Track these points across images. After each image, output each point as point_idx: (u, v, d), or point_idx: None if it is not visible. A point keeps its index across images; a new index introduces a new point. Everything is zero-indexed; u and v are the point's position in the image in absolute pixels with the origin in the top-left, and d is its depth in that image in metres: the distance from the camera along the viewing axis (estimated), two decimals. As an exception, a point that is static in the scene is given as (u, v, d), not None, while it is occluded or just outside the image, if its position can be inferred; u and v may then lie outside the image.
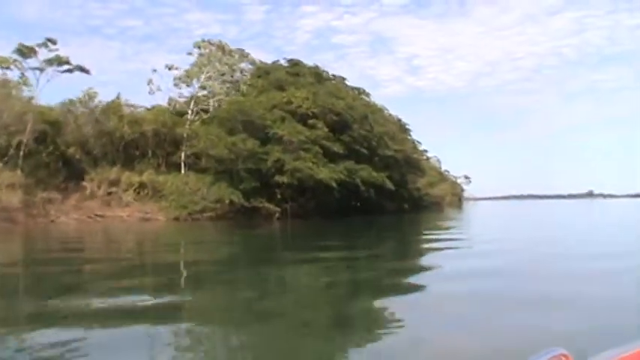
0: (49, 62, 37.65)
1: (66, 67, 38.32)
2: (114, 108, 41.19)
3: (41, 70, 38.01)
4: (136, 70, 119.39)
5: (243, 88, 43.76)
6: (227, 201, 35.85)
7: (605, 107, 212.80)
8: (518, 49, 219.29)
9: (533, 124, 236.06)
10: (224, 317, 7.15)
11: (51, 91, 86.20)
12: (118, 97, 43.40)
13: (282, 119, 38.76)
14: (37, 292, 9.12)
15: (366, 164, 41.51)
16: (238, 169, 36.67)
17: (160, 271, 12.11)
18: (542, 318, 6.24)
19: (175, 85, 42.62)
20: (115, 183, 38.36)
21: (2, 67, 37.71)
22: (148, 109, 44.10)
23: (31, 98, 38.44)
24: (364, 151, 42.10)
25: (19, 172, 33.89)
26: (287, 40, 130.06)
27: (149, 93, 43.36)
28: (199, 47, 43.29)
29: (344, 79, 51.11)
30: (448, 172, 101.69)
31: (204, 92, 43.16)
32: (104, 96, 43.13)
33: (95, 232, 27.63)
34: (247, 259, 15.05)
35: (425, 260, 14.13)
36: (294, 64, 47.52)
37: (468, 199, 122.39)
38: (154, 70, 43.54)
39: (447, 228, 28.68)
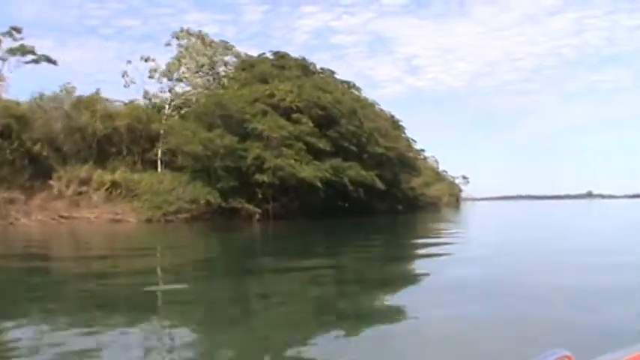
0: (12, 52, 35.10)
1: (31, 57, 35.78)
2: (86, 102, 38.76)
3: (3, 60, 35.59)
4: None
5: (224, 81, 41.20)
6: (202, 201, 33.37)
7: (604, 108, 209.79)
8: (517, 50, 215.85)
9: (532, 124, 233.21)
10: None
11: (32, 87, 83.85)
12: (97, 92, 41.07)
13: (264, 113, 36.17)
14: None
15: (354, 162, 38.84)
16: (215, 167, 34.12)
17: (95, 291, 9.32)
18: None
19: (150, 77, 39.91)
20: (85, 182, 35.85)
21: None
22: (125, 104, 41.71)
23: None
24: (353, 148, 39.37)
25: (-23, 169, 31.58)
26: (285, 41, 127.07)
27: (124, 86, 40.83)
28: (178, 38, 40.72)
29: (333, 72, 48.36)
30: (446, 172, 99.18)
31: (182, 85, 40.63)
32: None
33: (53, 236, 25.41)
34: (214, 269, 12.97)
35: (411, 270, 12.47)
36: (280, 56, 44.88)
37: (466, 199, 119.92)
38: (129, 62, 40.88)
39: (441, 230, 26.68)
